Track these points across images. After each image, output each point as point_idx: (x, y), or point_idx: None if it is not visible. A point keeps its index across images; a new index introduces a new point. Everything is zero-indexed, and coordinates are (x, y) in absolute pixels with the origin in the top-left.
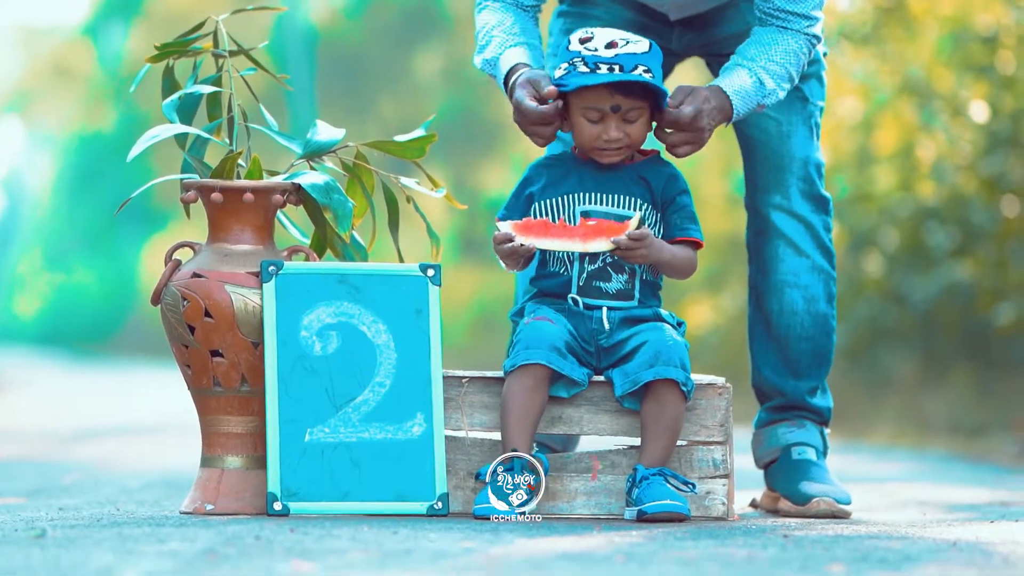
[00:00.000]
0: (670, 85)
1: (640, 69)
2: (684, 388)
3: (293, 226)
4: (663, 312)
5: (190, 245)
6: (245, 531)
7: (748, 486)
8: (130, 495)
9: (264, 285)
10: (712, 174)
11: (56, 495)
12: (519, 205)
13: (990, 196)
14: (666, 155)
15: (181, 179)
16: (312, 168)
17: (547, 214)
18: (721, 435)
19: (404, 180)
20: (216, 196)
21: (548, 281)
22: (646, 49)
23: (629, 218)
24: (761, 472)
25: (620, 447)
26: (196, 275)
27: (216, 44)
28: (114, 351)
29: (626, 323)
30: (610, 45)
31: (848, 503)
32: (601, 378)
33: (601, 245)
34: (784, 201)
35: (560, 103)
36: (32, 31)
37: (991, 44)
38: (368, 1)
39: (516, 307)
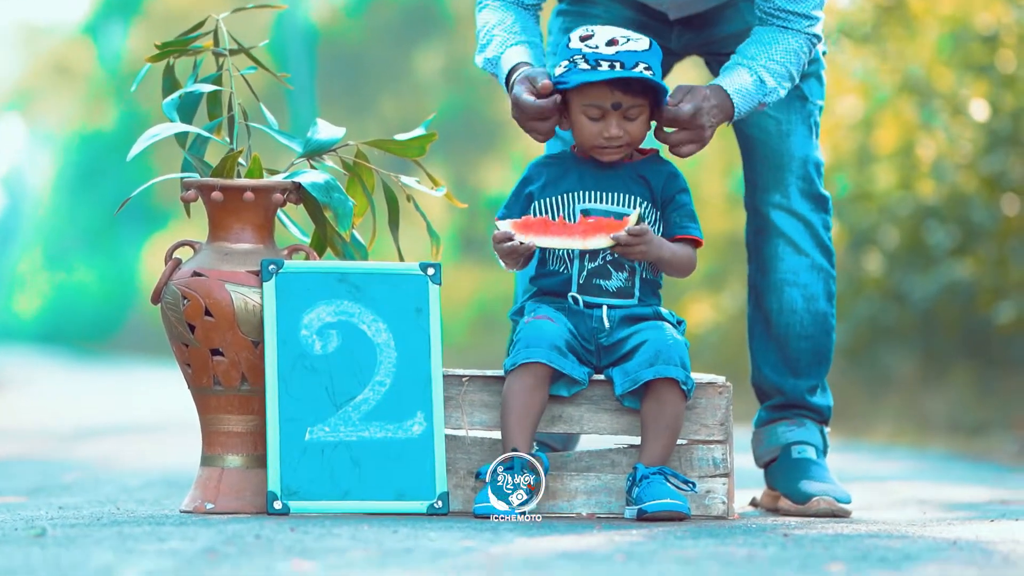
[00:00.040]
0: (669, 84)
1: (641, 66)
2: (684, 387)
3: (293, 225)
4: (663, 310)
5: (190, 244)
6: (245, 530)
7: (748, 485)
8: (130, 494)
9: (264, 284)
10: (712, 173)
11: (56, 494)
12: (519, 204)
13: (990, 195)
14: (667, 155)
15: (181, 178)
16: (312, 167)
17: (547, 212)
18: (721, 434)
19: (404, 179)
20: (216, 195)
21: (548, 280)
22: (647, 47)
23: (629, 216)
24: (761, 471)
25: (620, 446)
26: (196, 274)
27: (216, 43)
28: (114, 350)
29: (626, 322)
30: (611, 42)
31: (848, 502)
32: (601, 377)
33: (601, 242)
34: (783, 200)
35: (558, 98)
36: (32, 29)
37: (991, 43)
38: None
39: (516, 306)
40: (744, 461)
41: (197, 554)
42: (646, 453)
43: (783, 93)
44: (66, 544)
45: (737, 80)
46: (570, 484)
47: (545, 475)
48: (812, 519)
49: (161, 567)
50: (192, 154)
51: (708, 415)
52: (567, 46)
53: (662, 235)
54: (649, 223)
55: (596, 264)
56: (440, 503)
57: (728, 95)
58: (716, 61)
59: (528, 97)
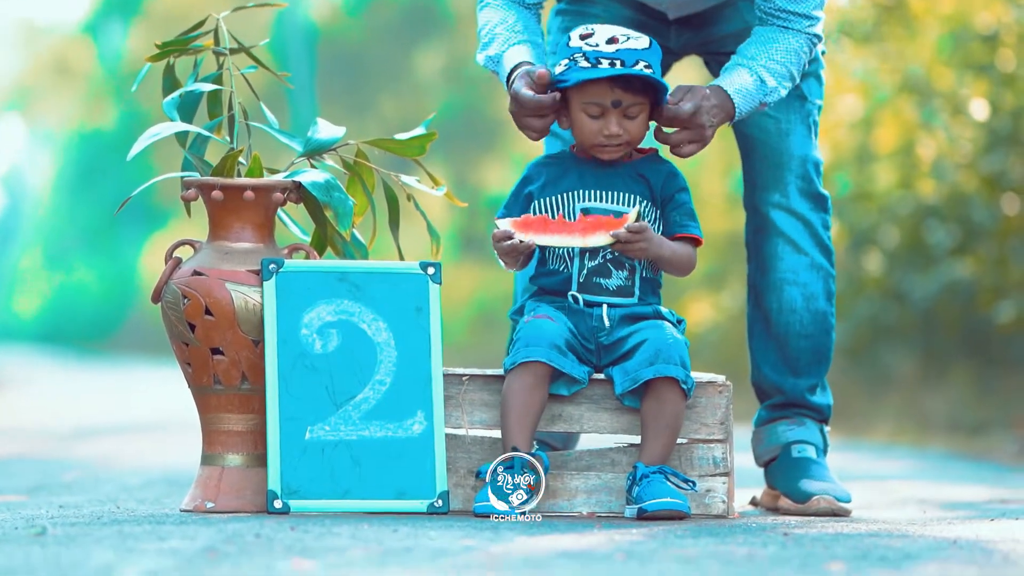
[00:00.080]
0: (668, 84)
1: (641, 64)
2: (684, 386)
3: (294, 224)
4: (663, 309)
5: (191, 243)
6: (245, 529)
7: (748, 484)
8: (130, 493)
9: (264, 283)
10: (712, 173)
11: (56, 493)
12: (518, 204)
13: (990, 194)
14: (666, 154)
15: (182, 177)
16: (312, 166)
17: (546, 212)
18: (721, 433)
19: (405, 178)
20: (217, 194)
21: (548, 279)
22: (647, 45)
23: (628, 214)
24: (761, 470)
25: (620, 445)
26: (197, 273)
27: (217, 42)
28: (114, 349)
29: (626, 320)
30: (611, 40)
31: (848, 501)
32: (601, 376)
33: (600, 239)
34: (783, 199)
35: (557, 95)
36: (32, 29)
37: (991, 42)
38: None
39: (516, 305)
40: (744, 460)
41: (197, 553)
42: (646, 452)
43: (784, 93)
44: (66, 543)
45: (737, 80)
46: (570, 483)
47: (545, 474)
48: (812, 518)
49: (161, 566)
50: (192, 153)
51: (708, 414)
52: (567, 44)
53: (662, 234)
54: (649, 222)
55: (596, 263)
56: (440, 502)
57: (728, 95)
58: (715, 61)
59: (527, 92)
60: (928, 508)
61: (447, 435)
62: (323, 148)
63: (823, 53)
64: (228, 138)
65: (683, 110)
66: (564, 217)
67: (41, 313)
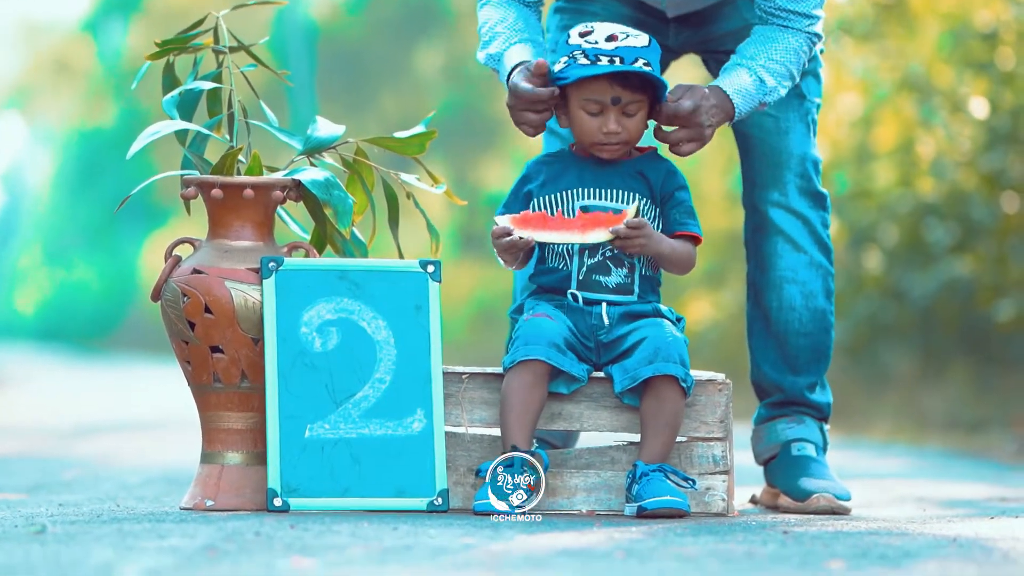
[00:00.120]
0: (667, 83)
1: (640, 62)
2: (684, 384)
3: (293, 222)
4: (663, 307)
5: (190, 241)
6: (245, 527)
7: (748, 482)
8: (130, 491)
9: (264, 281)
10: (711, 171)
11: (56, 491)
12: (518, 202)
13: (990, 192)
14: (666, 153)
15: (181, 175)
16: (312, 164)
17: (546, 209)
18: (721, 431)
19: (404, 176)
20: (216, 192)
21: (547, 277)
22: (646, 43)
23: (627, 210)
24: (761, 468)
25: (620, 443)
26: (196, 271)
27: (216, 40)
28: (114, 347)
29: (625, 319)
30: (610, 38)
31: (848, 499)
32: (601, 374)
33: (600, 236)
34: (782, 198)
35: (555, 90)
36: (32, 27)
37: (991, 40)
38: None
39: (515, 304)
40: (744, 458)
41: (197, 551)
42: (646, 450)
43: (783, 93)
44: (66, 541)
45: (737, 81)
46: (570, 481)
47: (545, 472)
48: (812, 516)
49: (161, 564)
50: (192, 151)
51: (708, 412)
52: (567, 42)
53: (661, 232)
54: (648, 220)
55: (595, 260)
56: (440, 500)
57: (728, 96)
58: (714, 59)
59: (524, 84)
60: (927, 506)
61: (447, 433)
62: (323, 146)
63: (822, 51)
64: (228, 136)
65: (683, 107)
66: (563, 215)
67: (41, 311)
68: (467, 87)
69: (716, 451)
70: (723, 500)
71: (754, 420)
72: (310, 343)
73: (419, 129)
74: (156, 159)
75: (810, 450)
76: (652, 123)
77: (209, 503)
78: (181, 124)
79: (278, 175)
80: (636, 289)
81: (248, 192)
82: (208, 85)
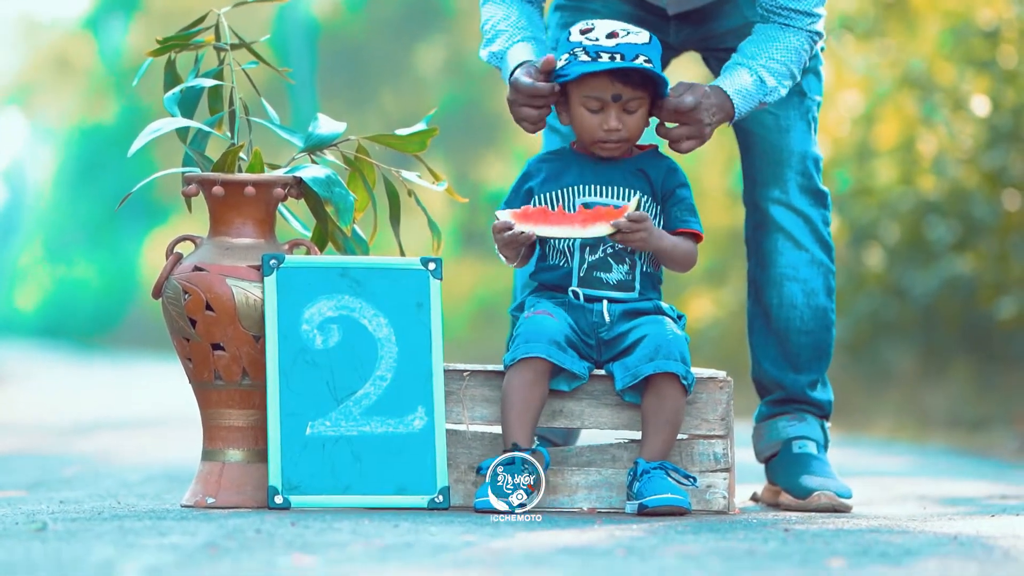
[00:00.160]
0: (668, 79)
1: (641, 59)
2: (684, 382)
3: (295, 219)
4: (664, 305)
5: (191, 238)
6: (246, 524)
7: (749, 480)
8: (131, 488)
9: (265, 278)
10: (712, 168)
11: (57, 488)
12: (518, 199)
13: (991, 190)
14: (666, 151)
15: (182, 173)
16: (313, 161)
17: (546, 205)
18: (722, 429)
19: (405, 174)
20: (217, 190)
21: (548, 274)
22: (646, 40)
23: (628, 204)
24: (762, 466)
25: (621, 441)
26: (197, 268)
27: (218, 37)
28: (115, 344)
29: (627, 316)
30: (611, 35)
31: (849, 497)
32: (602, 372)
33: (601, 229)
34: (782, 195)
35: (556, 86)
36: (33, 24)
37: (993, 38)
38: None
39: (516, 302)
40: (745, 456)
41: (198, 548)
42: (647, 448)
43: (783, 92)
44: (67, 538)
45: (737, 81)
46: (571, 479)
47: (546, 470)
48: (813, 514)
49: (162, 561)
50: (193, 149)
51: (709, 410)
52: (567, 40)
53: (662, 229)
54: (649, 217)
55: (596, 257)
56: (441, 498)
57: (728, 96)
58: (714, 57)
59: (525, 79)
60: (928, 504)
61: (448, 431)
62: (324, 144)
63: (823, 49)
64: (229, 134)
65: (685, 103)
66: (564, 209)
67: (41, 308)
68: (468, 84)
69: (717, 449)
70: (724, 498)
71: (755, 418)
72: (311, 340)
73: (420, 126)
74: (157, 156)
75: (811, 448)
76: (654, 121)
77: (210, 500)
78: (182, 121)
79: (279, 172)
80: (637, 286)
81: (249, 189)
82: (209, 82)
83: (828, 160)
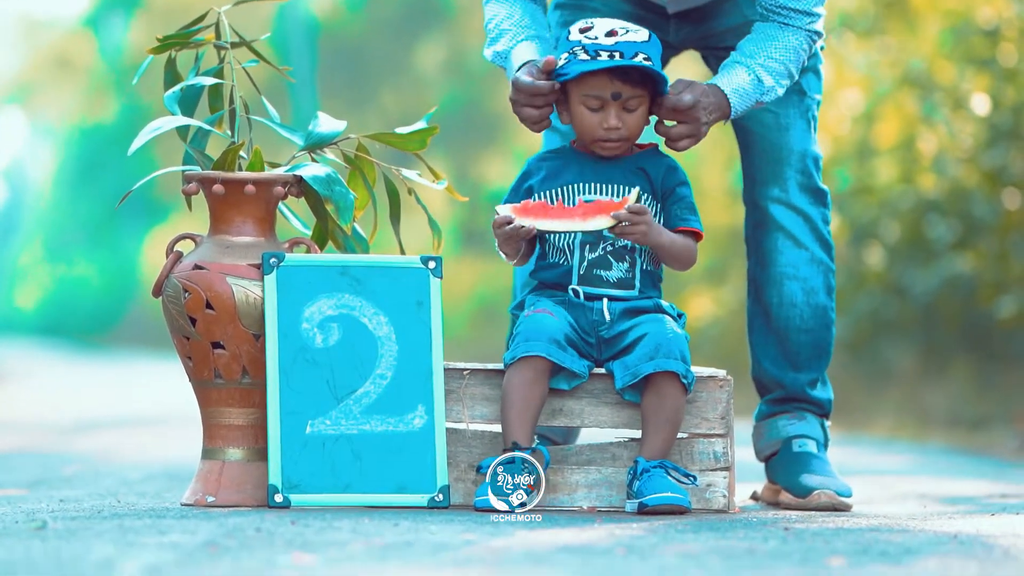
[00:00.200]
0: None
1: (640, 57)
2: (684, 380)
3: (295, 218)
4: (664, 303)
5: (191, 237)
6: (246, 523)
7: (749, 479)
8: (131, 487)
9: (265, 277)
10: (713, 167)
11: (57, 487)
12: (518, 197)
13: (991, 189)
14: (665, 149)
15: (183, 171)
16: (314, 160)
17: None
18: (722, 428)
19: (405, 172)
20: (218, 188)
21: (548, 272)
22: (646, 38)
23: (628, 196)
24: (762, 465)
25: (621, 439)
26: (197, 267)
27: (218, 36)
28: (115, 343)
29: (627, 314)
30: (610, 33)
31: (849, 496)
32: (602, 370)
33: (601, 222)
34: (782, 194)
35: (557, 85)
36: (33, 22)
37: (993, 37)
38: None
39: (515, 301)
40: (745, 455)
41: (198, 547)
42: (647, 446)
43: (781, 91)
44: (67, 537)
45: (735, 79)
46: (571, 477)
47: (546, 469)
48: (813, 513)
49: (162, 560)
50: (193, 147)
51: (709, 409)
52: (567, 38)
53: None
54: None
55: (597, 255)
56: (441, 496)
57: (725, 95)
58: (714, 56)
59: (525, 78)
60: (928, 503)
61: (448, 429)
62: (324, 142)
63: (822, 48)
64: (229, 132)
65: (684, 101)
66: (563, 204)
67: (42, 306)
68: (468, 83)
69: (717, 447)
70: (724, 496)
71: (755, 416)
72: (311, 339)
73: (420, 125)
74: (157, 155)
75: (811, 446)
76: (653, 119)
77: (210, 499)
78: (182, 120)
79: (279, 171)
80: (637, 284)
81: (249, 188)
82: (210, 81)
83: (828, 159)
